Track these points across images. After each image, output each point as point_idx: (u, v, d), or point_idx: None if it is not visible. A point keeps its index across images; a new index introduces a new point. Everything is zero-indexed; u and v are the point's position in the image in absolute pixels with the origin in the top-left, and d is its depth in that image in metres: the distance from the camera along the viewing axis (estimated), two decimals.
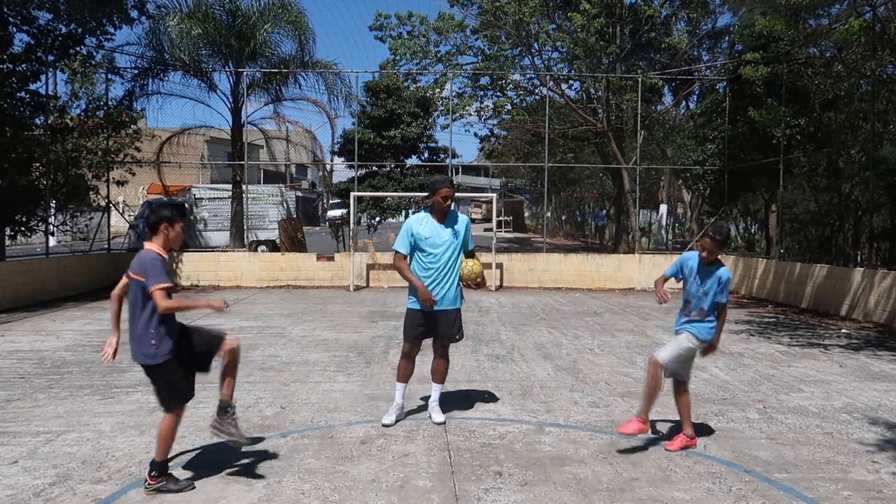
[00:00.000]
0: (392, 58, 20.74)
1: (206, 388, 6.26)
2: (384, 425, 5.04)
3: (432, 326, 5.12)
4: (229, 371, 4.14)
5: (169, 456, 3.96)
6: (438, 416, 5.20)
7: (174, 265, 15.71)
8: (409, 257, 5.09)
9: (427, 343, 5.29)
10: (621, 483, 4.07)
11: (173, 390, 3.93)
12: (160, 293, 3.80)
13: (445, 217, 5.10)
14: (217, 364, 4.15)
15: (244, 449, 4.61)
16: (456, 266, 5.11)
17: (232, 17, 17.34)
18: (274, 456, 4.49)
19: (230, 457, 4.46)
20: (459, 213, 5.24)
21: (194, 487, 3.92)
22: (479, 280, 5.15)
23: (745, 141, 16.22)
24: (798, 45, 14.27)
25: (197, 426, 5.10)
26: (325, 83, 18.35)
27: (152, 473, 3.88)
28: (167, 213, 4.00)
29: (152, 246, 3.95)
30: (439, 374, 5.27)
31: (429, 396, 5.38)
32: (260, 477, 4.13)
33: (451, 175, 22.05)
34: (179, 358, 3.94)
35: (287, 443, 4.76)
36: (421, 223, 5.08)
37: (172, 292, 3.93)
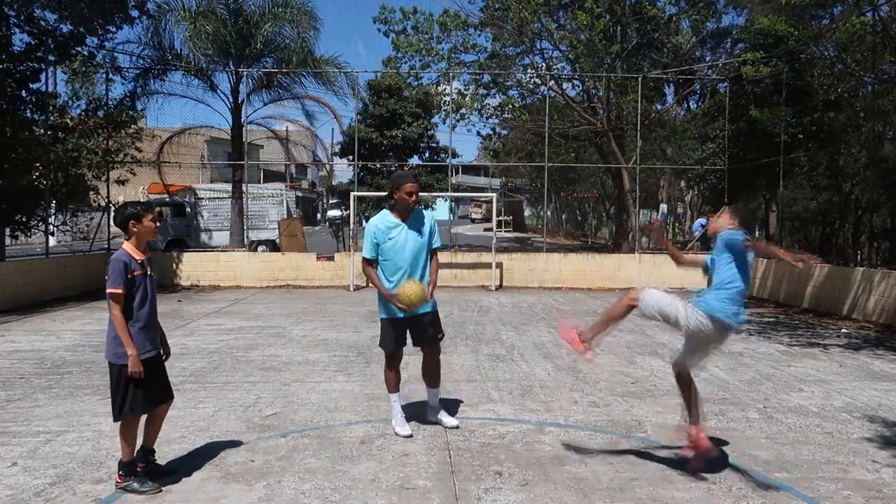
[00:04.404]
0: (395, 54, 20.70)
1: (206, 388, 6.29)
2: (407, 436, 4.83)
3: (412, 333, 4.95)
4: (157, 423, 4.14)
5: (135, 457, 3.95)
6: (450, 419, 5.06)
7: (173, 265, 15.70)
8: (376, 261, 4.86)
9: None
10: (621, 483, 4.07)
11: (122, 397, 3.85)
12: (110, 298, 3.81)
13: (409, 215, 4.84)
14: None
15: (244, 449, 4.62)
16: (425, 267, 4.89)
17: (235, 17, 17.31)
18: (274, 456, 4.49)
19: (230, 457, 4.46)
20: (424, 211, 5.02)
21: (160, 490, 3.89)
22: (412, 305, 4.68)
23: (746, 140, 16.22)
24: (801, 44, 14.28)
25: (197, 426, 5.10)
26: (328, 80, 18.30)
27: (119, 472, 3.92)
28: (132, 210, 3.93)
29: (125, 246, 3.94)
30: (435, 377, 5.11)
31: (426, 400, 5.23)
32: (260, 477, 4.13)
33: (451, 174, 22.04)
34: (146, 368, 3.86)
35: (287, 443, 4.76)
36: (382, 223, 4.82)
37: (125, 298, 3.83)
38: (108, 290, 3.81)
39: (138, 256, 3.93)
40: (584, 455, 4.55)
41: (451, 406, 5.53)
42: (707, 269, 4.47)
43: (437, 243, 5.01)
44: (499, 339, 9.09)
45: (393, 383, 5.03)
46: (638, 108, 18.18)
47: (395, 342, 4.95)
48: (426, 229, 4.91)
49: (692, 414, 4.25)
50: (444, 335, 5.15)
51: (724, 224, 4.36)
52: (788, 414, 5.57)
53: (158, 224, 4.12)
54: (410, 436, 4.86)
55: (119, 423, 3.91)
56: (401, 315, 4.85)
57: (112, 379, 3.90)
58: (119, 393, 3.85)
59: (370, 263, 4.87)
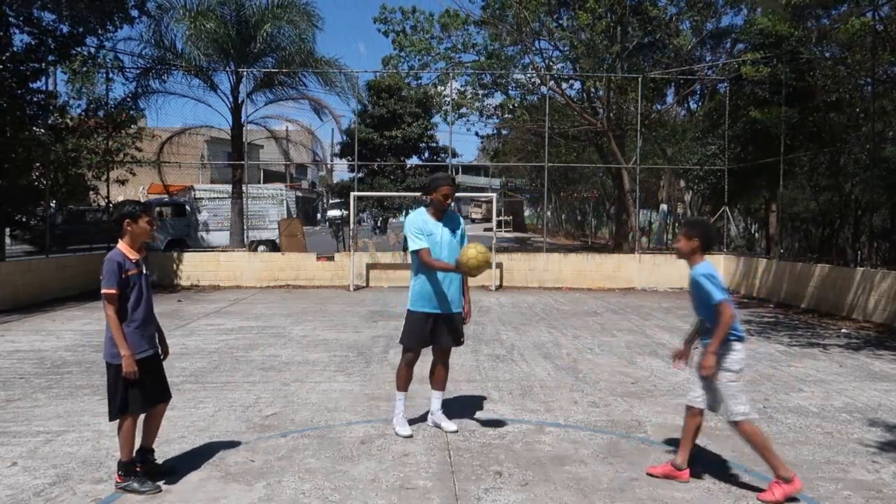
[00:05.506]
0: (396, 52, 20.69)
1: (206, 388, 6.29)
2: (407, 436, 4.85)
3: (438, 332, 4.91)
4: (155, 423, 4.14)
5: (134, 457, 3.96)
6: (449, 424, 5.03)
7: (173, 265, 15.71)
8: (406, 239, 4.92)
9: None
10: (621, 483, 4.07)
11: (121, 397, 3.85)
12: (104, 299, 3.81)
13: (443, 215, 4.96)
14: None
15: (244, 449, 4.62)
16: None
17: (235, 16, 17.30)
18: (274, 456, 4.49)
19: (230, 457, 4.46)
20: (455, 213, 5.14)
21: (160, 490, 3.88)
22: (478, 269, 4.53)
23: (746, 141, 16.22)
24: (801, 44, 14.28)
25: (197, 426, 5.10)
26: (328, 80, 18.29)
27: (119, 472, 3.91)
28: (128, 210, 3.94)
29: (119, 245, 3.93)
30: (442, 381, 5.10)
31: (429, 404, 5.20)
32: (260, 477, 4.13)
33: (451, 174, 22.04)
34: (143, 367, 3.86)
35: (287, 443, 4.76)
36: (422, 220, 4.91)
37: (120, 298, 3.84)
38: (102, 291, 3.81)
39: (133, 256, 3.92)
40: (584, 455, 4.55)
41: (452, 407, 5.52)
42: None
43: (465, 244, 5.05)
44: (499, 339, 9.09)
45: (405, 381, 5.00)
46: (638, 108, 18.18)
47: (420, 340, 4.91)
48: (459, 230, 5.00)
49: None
50: (464, 339, 5.13)
51: (685, 250, 4.08)
52: (788, 414, 5.57)
53: (154, 226, 4.13)
54: (410, 436, 4.87)
55: (116, 422, 3.91)
56: (431, 310, 4.84)
57: (109, 379, 3.90)
58: (117, 393, 3.85)
59: (429, 252, 4.79)
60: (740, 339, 3.97)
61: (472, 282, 5.15)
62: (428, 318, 4.87)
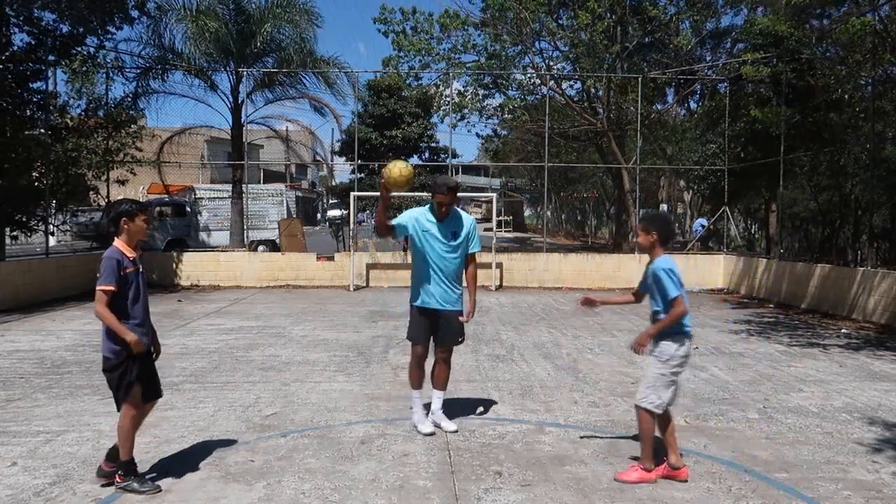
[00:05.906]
0: (396, 53, 20.70)
1: (206, 388, 6.29)
2: (428, 434, 4.87)
3: (433, 328, 4.97)
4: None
5: (133, 456, 3.97)
6: (449, 424, 5.04)
7: (173, 265, 15.71)
8: (407, 239, 5.05)
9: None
10: (621, 483, 4.07)
11: (125, 387, 3.87)
12: (98, 294, 3.80)
13: (445, 217, 4.97)
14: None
15: (244, 449, 4.62)
16: (454, 268, 4.95)
17: (235, 16, 17.29)
18: (274, 456, 4.49)
19: (230, 457, 4.47)
20: (464, 214, 5.09)
21: (160, 490, 3.89)
22: (397, 183, 4.67)
23: (746, 141, 16.22)
24: (802, 44, 14.27)
25: (196, 426, 5.10)
26: (328, 80, 18.28)
27: (119, 472, 3.91)
28: (125, 208, 3.95)
29: (116, 243, 3.94)
30: (442, 380, 5.11)
31: (429, 404, 5.20)
32: (260, 477, 4.13)
33: (451, 174, 22.04)
34: (141, 361, 3.89)
35: (287, 443, 4.77)
36: (424, 214, 4.97)
37: (117, 294, 3.84)
38: (99, 287, 3.80)
39: (130, 254, 3.94)
40: (584, 455, 4.55)
41: (452, 407, 5.52)
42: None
43: (474, 248, 5.06)
44: (499, 339, 9.09)
45: (416, 379, 5.05)
46: (638, 108, 18.18)
47: (420, 333, 4.98)
48: (462, 232, 4.96)
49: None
50: (464, 338, 5.16)
51: (646, 245, 4.22)
52: (788, 414, 5.57)
53: (149, 226, 4.14)
54: (433, 433, 4.88)
55: (116, 422, 3.91)
56: (421, 305, 4.93)
57: (109, 373, 3.90)
58: (122, 380, 3.87)
59: (392, 227, 4.92)
60: (686, 335, 4.12)
61: None
62: (421, 312, 4.98)
